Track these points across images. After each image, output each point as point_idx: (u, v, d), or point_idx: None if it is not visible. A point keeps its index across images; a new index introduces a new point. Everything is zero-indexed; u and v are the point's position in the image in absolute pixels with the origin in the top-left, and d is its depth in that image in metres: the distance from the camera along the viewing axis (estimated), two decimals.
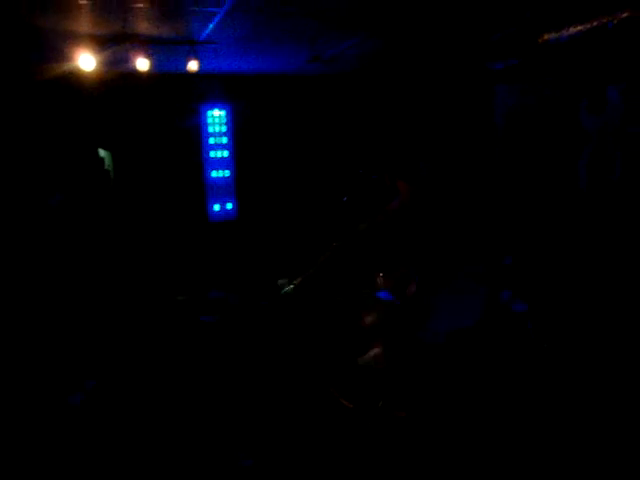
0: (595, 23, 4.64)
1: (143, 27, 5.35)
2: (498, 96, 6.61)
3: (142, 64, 6.03)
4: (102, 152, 7.56)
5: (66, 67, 6.06)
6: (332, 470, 3.75)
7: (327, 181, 7.75)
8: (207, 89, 7.70)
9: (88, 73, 6.07)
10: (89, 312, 6.06)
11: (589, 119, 5.85)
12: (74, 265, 6.44)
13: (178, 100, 7.55)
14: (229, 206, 8.02)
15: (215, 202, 7.94)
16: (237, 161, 8.02)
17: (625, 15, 4.42)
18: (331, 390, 4.62)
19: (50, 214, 6.58)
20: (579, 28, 4.75)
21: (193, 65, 6.40)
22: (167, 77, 7.17)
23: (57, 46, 5.63)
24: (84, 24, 5.18)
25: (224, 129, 7.95)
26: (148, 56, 5.93)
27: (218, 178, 7.96)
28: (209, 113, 7.86)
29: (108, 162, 7.63)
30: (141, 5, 4.64)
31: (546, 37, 5.01)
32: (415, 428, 4.17)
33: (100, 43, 5.58)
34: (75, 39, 5.47)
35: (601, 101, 5.76)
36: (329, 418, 4.39)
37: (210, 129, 7.90)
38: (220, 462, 3.89)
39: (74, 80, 6.39)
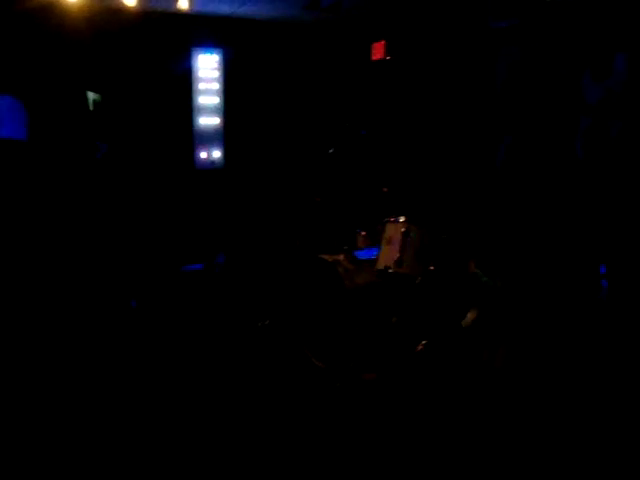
0: None
1: None
2: (501, 55, 6.37)
3: None
4: (91, 95, 7.30)
5: None
6: (297, 429, 3.66)
7: (316, 132, 7.54)
8: (199, 32, 7.39)
9: (72, 4, 5.83)
10: None
11: (591, 87, 5.64)
12: None
13: (169, 42, 7.24)
14: (217, 154, 7.81)
15: (203, 150, 7.72)
16: (227, 109, 7.77)
17: None
18: (305, 350, 4.51)
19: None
20: None
21: (184, 3, 6.13)
22: (156, 15, 6.84)
23: None
24: None
25: (215, 75, 7.67)
26: None
27: (207, 125, 7.72)
28: (200, 57, 7.56)
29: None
30: None
31: None
32: (385, 391, 4.07)
33: None
34: None
35: (606, 69, 5.54)
36: (301, 377, 4.30)
37: (201, 74, 7.62)
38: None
39: (57, 11, 6.07)
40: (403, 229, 4.38)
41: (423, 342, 4.30)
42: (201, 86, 7.65)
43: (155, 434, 3.60)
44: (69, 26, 6.27)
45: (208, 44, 7.54)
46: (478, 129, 6.10)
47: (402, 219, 4.47)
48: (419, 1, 6.41)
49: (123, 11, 6.21)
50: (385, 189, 5.70)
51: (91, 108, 7.37)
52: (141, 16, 6.52)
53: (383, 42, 7.71)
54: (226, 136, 7.81)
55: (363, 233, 5.08)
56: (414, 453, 3.41)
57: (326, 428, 3.66)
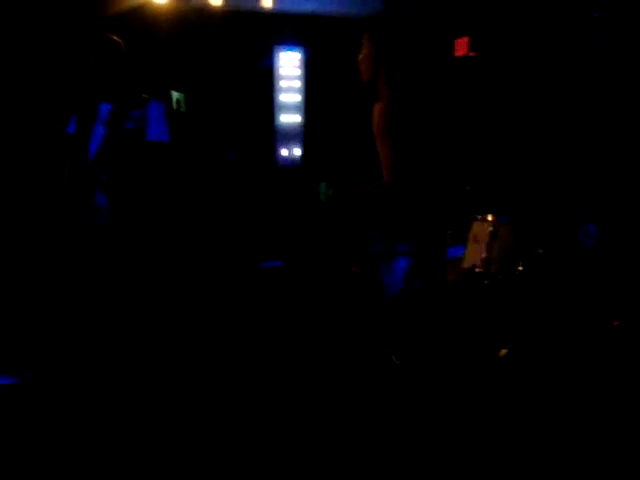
0: None
1: None
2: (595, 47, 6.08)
3: None
4: (175, 94, 7.45)
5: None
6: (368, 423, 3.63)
7: None
8: (281, 30, 7.43)
9: (159, 6, 5.95)
10: None
11: None
12: None
13: (251, 40, 7.30)
14: (298, 152, 7.83)
15: (284, 147, 7.75)
16: (308, 106, 7.77)
17: None
18: (385, 349, 4.45)
19: None
20: None
21: (267, 1, 6.18)
22: (240, 14, 6.91)
23: None
24: None
25: (297, 73, 7.68)
26: None
27: (288, 123, 7.75)
28: (282, 55, 7.60)
29: (182, 104, 7.52)
30: None
31: None
32: (466, 395, 3.96)
33: None
34: None
35: None
36: (380, 375, 4.24)
37: (283, 72, 7.65)
38: None
39: (144, 14, 6.20)
40: (491, 228, 4.26)
41: (507, 346, 4.16)
42: (283, 84, 7.68)
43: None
44: (156, 26, 6.40)
45: (290, 42, 7.56)
46: (571, 125, 5.87)
47: (490, 217, 4.35)
48: None
49: (208, 10, 6.30)
50: (468, 187, 5.58)
51: (174, 107, 7.53)
52: (225, 15, 6.61)
53: (466, 38, 7.52)
54: (306, 134, 7.82)
55: (448, 232, 4.96)
56: (494, 457, 3.31)
57: (404, 428, 3.60)
